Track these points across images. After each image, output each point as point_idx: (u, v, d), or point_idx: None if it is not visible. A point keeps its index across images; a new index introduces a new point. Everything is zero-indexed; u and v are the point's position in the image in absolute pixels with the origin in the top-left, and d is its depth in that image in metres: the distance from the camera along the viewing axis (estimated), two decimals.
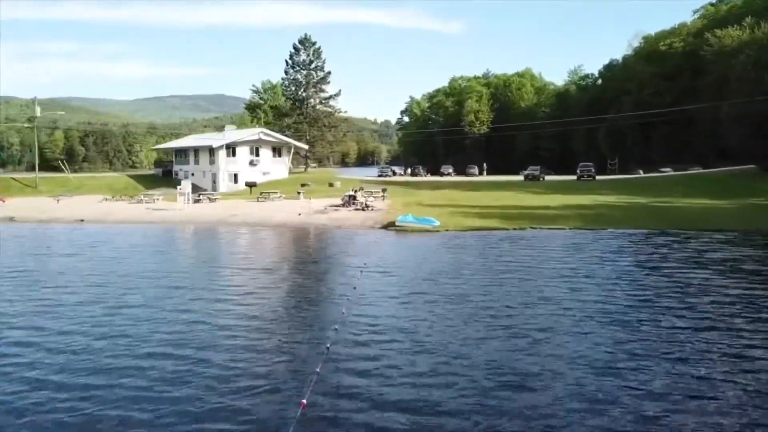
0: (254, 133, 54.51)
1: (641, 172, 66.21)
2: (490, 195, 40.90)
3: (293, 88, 70.91)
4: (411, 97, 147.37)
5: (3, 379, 8.39)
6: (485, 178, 68.81)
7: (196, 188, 50.18)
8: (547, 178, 60.48)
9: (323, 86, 70.15)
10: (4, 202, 41.27)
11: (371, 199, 35.54)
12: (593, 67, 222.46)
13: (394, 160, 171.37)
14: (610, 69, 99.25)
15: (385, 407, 7.30)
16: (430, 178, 72.43)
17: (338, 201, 34.78)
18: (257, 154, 53.42)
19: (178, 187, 34.80)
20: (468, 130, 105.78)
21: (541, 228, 25.78)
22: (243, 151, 52.38)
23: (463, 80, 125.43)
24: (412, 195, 41.60)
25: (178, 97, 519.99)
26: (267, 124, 72.00)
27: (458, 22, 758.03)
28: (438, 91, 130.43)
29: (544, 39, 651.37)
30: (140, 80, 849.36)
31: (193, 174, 55.01)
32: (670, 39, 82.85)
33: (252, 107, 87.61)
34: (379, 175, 73.81)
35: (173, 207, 34.20)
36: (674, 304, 12.29)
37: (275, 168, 55.06)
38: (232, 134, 53.83)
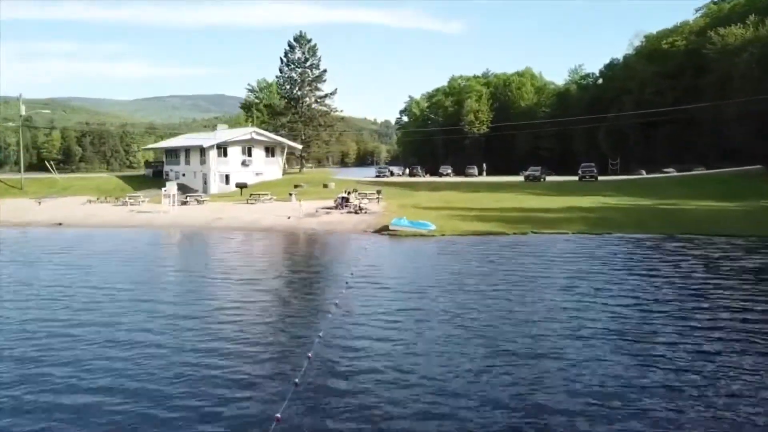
0: (246, 132, 52.94)
1: (644, 172, 64.89)
2: (489, 196, 39.46)
3: (288, 87, 69.13)
4: (410, 96, 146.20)
5: None
6: (485, 178, 67.37)
7: (186, 189, 48.77)
8: (548, 178, 59.02)
9: (319, 85, 68.49)
10: None
11: (365, 201, 34.06)
12: (594, 66, 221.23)
13: (394, 161, 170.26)
14: (611, 68, 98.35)
15: None
16: (428, 178, 70.96)
17: (331, 203, 33.32)
18: (249, 155, 51.88)
19: (163, 189, 33.26)
20: (467, 129, 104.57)
21: (542, 233, 24.33)
22: (235, 152, 50.82)
23: (462, 80, 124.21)
24: (409, 196, 40.13)
25: (178, 97, 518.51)
26: (262, 124, 70.46)
27: (458, 22, 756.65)
28: (437, 90, 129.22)
29: (544, 38, 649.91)
30: (140, 80, 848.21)
31: (184, 175, 53.52)
32: (672, 37, 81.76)
33: (247, 106, 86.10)
34: (377, 176, 72.32)
35: (158, 209, 32.70)
36: (700, 322, 10.83)
37: (268, 168, 53.51)
38: (223, 134, 52.30)
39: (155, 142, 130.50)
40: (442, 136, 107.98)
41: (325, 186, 46.51)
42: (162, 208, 32.38)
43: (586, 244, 21.71)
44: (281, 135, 60.82)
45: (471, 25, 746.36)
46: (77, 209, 35.44)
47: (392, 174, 78.64)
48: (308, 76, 67.67)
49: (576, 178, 55.52)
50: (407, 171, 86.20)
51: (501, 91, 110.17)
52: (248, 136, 51.69)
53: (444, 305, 12.46)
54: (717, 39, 69.16)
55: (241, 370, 8.74)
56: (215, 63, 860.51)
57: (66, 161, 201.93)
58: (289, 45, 67.62)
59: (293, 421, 7.00)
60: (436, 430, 6.81)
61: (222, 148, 49.95)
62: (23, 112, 54.71)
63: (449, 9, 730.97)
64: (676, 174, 58.00)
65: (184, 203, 36.43)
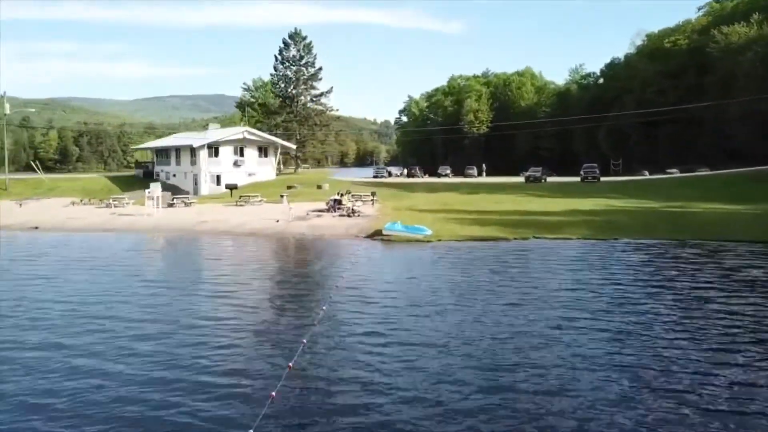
0: (238, 132, 51.32)
1: (647, 173, 63.55)
2: (488, 198, 38.00)
3: (283, 85, 67.21)
4: (409, 96, 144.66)
5: None
6: (484, 179, 65.94)
7: (177, 190, 47.25)
8: (549, 179, 57.52)
9: (314, 83, 66.66)
10: None
11: (358, 203, 32.56)
12: (595, 66, 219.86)
13: (393, 161, 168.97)
14: (612, 68, 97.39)
15: None
16: (426, 179, 69.48)
17: (323, 205, 31.84)
18: (242, 155, 50.31)
19: (147, 190, 31.71)
20: (467, 129, 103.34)
21: (545, 237, 22.88)
22: (226, 152, 49.26)
23: (462, 79, 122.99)
24: (405, 198, 38.65)
25: (178, 97, 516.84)
26: (257, 123, 68.84)
27: (459, 22, 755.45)
28: (437, 90, 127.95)
29: (544, 38, 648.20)
30: (140, 80, 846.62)
31: (174, 175, 52.01)
32: (674, 36, 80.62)
33: (243, 106, 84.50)
34: (375, 176, 70.79)
35: (141, 212, 31.18)
36: (725, 344, 9.34)
37: (261, 169, 51.93)
38: (214, 133, 50.76)
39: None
40: (442, 136, 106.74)
41: (319, 187, 45.01)
42: (146, 211, 30.85)
43: (592, 251, 20.25)
44: (276, 135, 59.24)
45: (471, 25, 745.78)
46: (58, 212, 33.90)
47: (390, 174, 77.08)
48: (303, 74, 65.92)
49: (577, 178, 54.17)
50: (405, 171, 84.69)
51: (501, 91, 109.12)
52: (240, 136, 50.12)
53: (436, 327, 10.97)
54: (720, 37, 68.13)
55: (190, 415, 7.24)
56: (215, 63, 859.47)
57: (63, 161, 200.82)
58: (284, 42, 65.86)
59: None
60: None
61: (213, 148, 48.42)
62: (7, 111, 53.18)
63: (449, 9, 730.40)
64: (679, 175, 56.53)
65: (171, 205, 34.92)
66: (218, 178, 47.99)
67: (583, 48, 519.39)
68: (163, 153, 55.73)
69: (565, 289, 13.99)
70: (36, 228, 28.23)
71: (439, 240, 22.70)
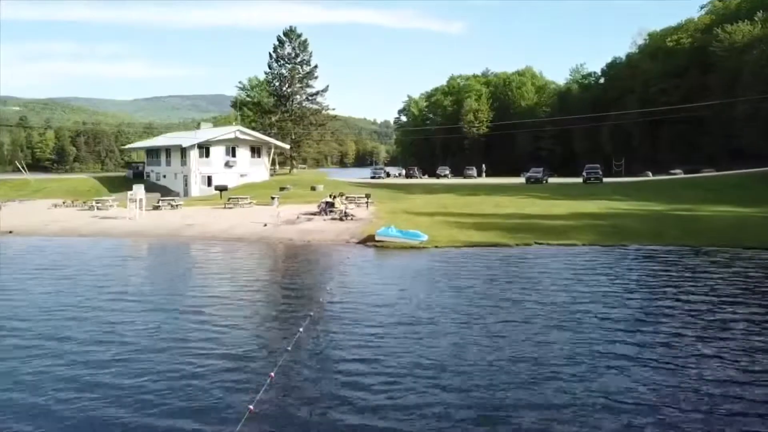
0: (230, 131, 49.74)
1: (650, 173, 62.20)
2: (488, 200, 36.54)
3: (277, 84, 65.46)
4: (409, 96, 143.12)
5: None
6: (484, 180, 64.54)
7: (167, 192, 45.76)
8: (550, 180, 56.06)
9: (309, 81, 65.01)
10: None
11: (352, 206, 31.06)
12: (596, 65, 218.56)
13: (393, 161, 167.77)
14: (613, 67, 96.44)
15: None
16: (425, 180, 68.04)
17: (315, 208, 30.35)
18: (233, 155, 48.77)
19: (129, 192, 30.18)
20: (467, 129, 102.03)
21: (549, 244, 21.41)
22: (218, 152, 47.73)
23: (462, 79, 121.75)
24: (402, 200, 37.18)
25: (178, 97, 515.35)
26: (251, 123, 67.20)
27: (460, 23, 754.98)
28: (436, 90, 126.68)
29: (545, 38, 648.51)
30: (140, 80, 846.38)
31: (164, 176, 50.52)
32: (677, 35, 79.39)
33: (238, 105, 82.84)
34: (372, 177, 69.33)
35: (124, 215, 29.65)
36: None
37: (254, 170, 50.37)
38: (206, 133, 49.29)
39: None
40: (442, 136, 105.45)
41: (313, 188, 43.51)
42: (127, 214, 29.33)
43: (600, 258, 18.80)
44: (270, 134, 57.66)
45: (472, 25, 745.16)
46: (38, 214, 32.36)
47: (388, 175, 75.62)
48: (298, 73, 64.24)
49: (579, 179, 52.81)
50: (403, 172, 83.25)
51: (501, 91, 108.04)
52: (232, 136, 48.56)
53: (428, 353, 9.49)
54: (724, 36, 67.03)
55: None
56: (215, 63, 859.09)
57: (60, 161, 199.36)
58: (279, 40, 64.14)
59: None
60: None
61: (204, 148, 46.91)
62: None
63: (450, 9, 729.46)
64: (684, 176, 55.12)
65: (156, 207, 33.40)
66: (209, 179, 46.48)
67: (584, 47, 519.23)
68: (153, 153, 54.26)
69: (576, 304, 12.51)
70: (10, 232, 26.69)
71: (436, 246, 21.23)
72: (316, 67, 64.99)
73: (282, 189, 42.64)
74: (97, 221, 29.22)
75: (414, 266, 17.84)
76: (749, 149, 58.26)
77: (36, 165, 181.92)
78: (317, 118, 66.10)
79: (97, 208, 33.67)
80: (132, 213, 29.10)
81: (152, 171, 52.93)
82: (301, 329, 10.56)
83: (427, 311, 12.20)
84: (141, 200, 29.53)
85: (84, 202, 36.61)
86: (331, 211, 28.65)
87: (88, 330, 11.27)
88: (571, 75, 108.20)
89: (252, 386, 8.03)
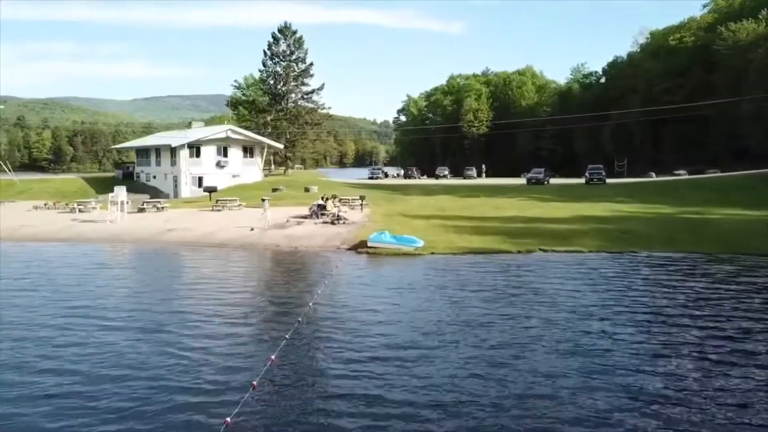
0: (221, 130, 48.15)
1: (653, 174, 60.74)
2: (488, 203, 35.07)
3: (272, 82, 63.71)
4: (408, 95, 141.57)
5: None
6: (484, 180, 63.06)
7: (157, 193, 44.26)
8: (552, 181, 54.55)
9: (305, 79, 63.32)
10: None
11: (345, 209, 29.57)
12: (597, 64, 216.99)
13: (392, 161, 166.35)
14: (614, 66, 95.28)
15: None
16: (424, 180, 66.55)
17: (306, 211, 28.86)
18: (225, 155, 47.21)
19: (110, 194, 28.65)
20: (466, 129, 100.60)
21: (554, 250, 19.96)
22: (209, 152, 46.18)
23: (461, 78, 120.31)
24: (399, 202, 35.70)
25: (178, 97, 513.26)
26: (245, 122, 65.61)
27: (460, 23, 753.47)
28: (436, 89, 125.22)
29: (545, 37, 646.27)
30: (140, 80, 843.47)
31: (154, 177, 49.00)
32: (679, 33, 78.19)
33: (234, 104, 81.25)
34: (370, 177, 67.82)
35: (105, 218, 28.14)
36: None
37: (246, 170, 48.81)
38: (196, 132, 47.74)
39: None
40: (441, 136, 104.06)
41: (307, 190, 41.99)
42: (108, 217, 27.82)
43: (609, 266, 17.37)
44: (264, 134, 56.07)
45: (472, 25, 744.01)
46: (16, 217, 30.82)
47: (387, 176, 74.11)
48: (293, 71, 62.60)
49: (581, 180, 51.32)
50: (402, 172, 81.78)
51: (501, 90, 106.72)
52: (223, 135, 47.00)
53: (421, 382, 8.01)
54: (728, 35, 65.85)
55: None
56: (215, 63, 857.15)
57: (57, 161, 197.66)
58: (273, 37, 62.40)
59: None
60: None
61: (194, 148, 45.38)
62: None
63: (450, 9, 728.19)
64: (689, 176, 53.67)
65: (141, 210, 31.89)
66: (200, 179, 44.94)
67: (585, 47, 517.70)
68: (143, 153, 52.74)
69: (590, 320, 11.03)
70: None
71: (432, 253, 19.77)
72: (311, 64, 63.46)
73: (275, 190, 41.15)
74: (75, 225, 27.69)
75: (408, 277, 16.34)
76: (755, 149, 57.00)
77: (33, 165, 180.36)
78: (313, 117, 64.46)
79: (79, 211, 32.14)
80: (113, 216, 27.59)
81: (142, 171, 51.43)
82: (273, 356, 9.09)
83: (417, 332, 10.73)
84: (123, 202, 28.02)
85: (66, 204, 35.08)
86: (322, 214, 27.18)
87: (36, 351, 9.87)
88: (571, 74, 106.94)
89: (213, 423, 6.56)
